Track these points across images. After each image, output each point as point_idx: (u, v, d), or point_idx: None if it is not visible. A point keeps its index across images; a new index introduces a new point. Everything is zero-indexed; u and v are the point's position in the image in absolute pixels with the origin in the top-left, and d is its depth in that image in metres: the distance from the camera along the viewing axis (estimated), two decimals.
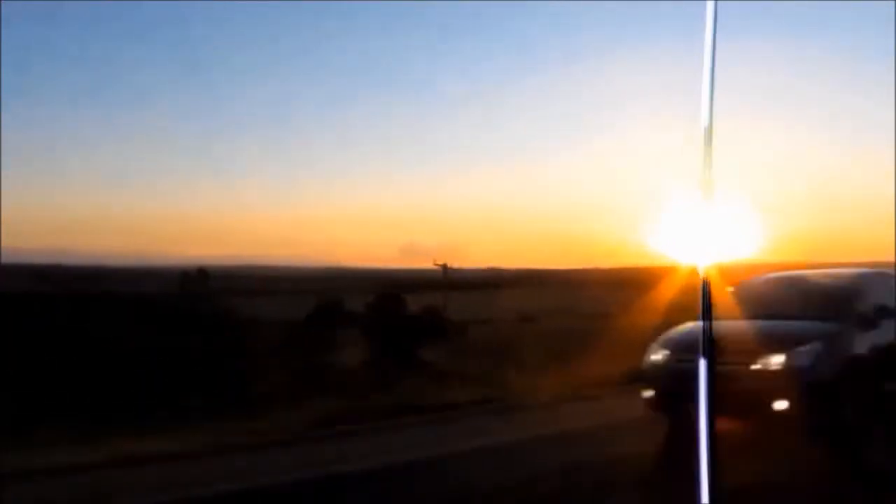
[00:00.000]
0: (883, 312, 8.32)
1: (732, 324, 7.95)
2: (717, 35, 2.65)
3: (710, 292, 2.70)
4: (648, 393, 8.18)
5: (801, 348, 7.53)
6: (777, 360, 7.48)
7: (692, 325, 7.90)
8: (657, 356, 8.22)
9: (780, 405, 7.23)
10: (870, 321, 8.16)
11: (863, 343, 8.01)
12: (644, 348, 8.48)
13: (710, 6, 2.72)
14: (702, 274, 2.76)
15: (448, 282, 26.84)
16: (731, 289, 9.11)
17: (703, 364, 2.73)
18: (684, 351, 7.50)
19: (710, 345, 2.69)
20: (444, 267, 27.26)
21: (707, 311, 2.71)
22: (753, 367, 7.43)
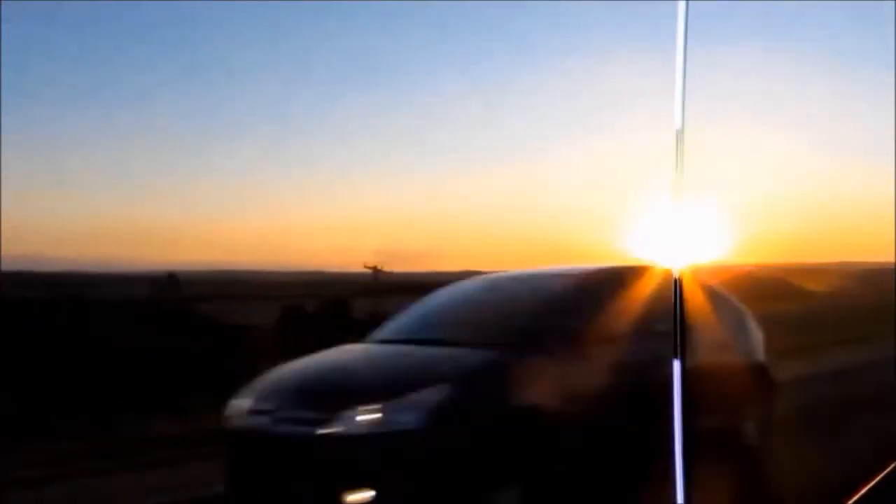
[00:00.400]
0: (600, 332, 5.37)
1: (353, 353, 5.60)
2: (692, 38, 2.72)
3: (682, 293, 2.76)
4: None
5: (408, 397, 4.48)
6: (365, 419, 4.42)
7: (294, 365, 5.45)
8: (239, 405, 5.11)
9: (358, 498, 4.33)
10: (565, 346, 5.15)
11: (548, 383, 4.90)
12: None
13: (680, 8, 2.78)
14: (676, 274, 2.82)
15: (379, 286, 26.15)
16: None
17: (676, 364, 2.79)
18: (265, 399, 4.93)
19: (684, 345, 2.75)
20: (375, 270, 26.62)
21: (680, 312, 2.77)
22: (324, 430, 4.46)
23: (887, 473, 4.13)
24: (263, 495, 4.74)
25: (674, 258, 2.86)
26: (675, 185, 2.73)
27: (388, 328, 6.14)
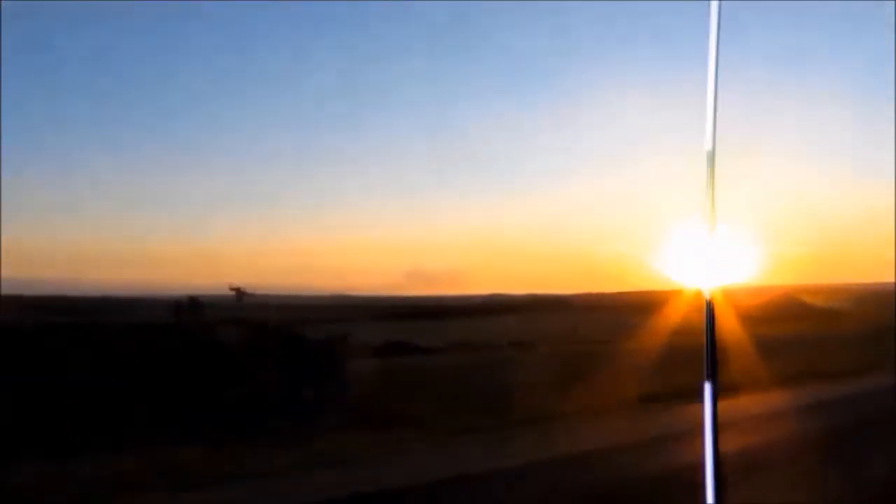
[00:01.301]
0: None
1: None
2: (721, 64, 2.77)
3: (713, 315, 2.78)
4: None
5: None
6: None
7: None
8: None
9: None
10: None
11: None
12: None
13: (712, 30, 2.82)
14: (707, 297, 2.84)
15: (241, 308, 23.45)
16: None
17: (707, 387, 2.81)
18: None
19: (714, 366, 2.77)
20: (238, 292, 23.67)
21: (711, 334, 2.79)
22: None
23: None
24: None
25: (705, 281, 2.88)
26: (705, 207, 2.77)
27: None
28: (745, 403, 11.86)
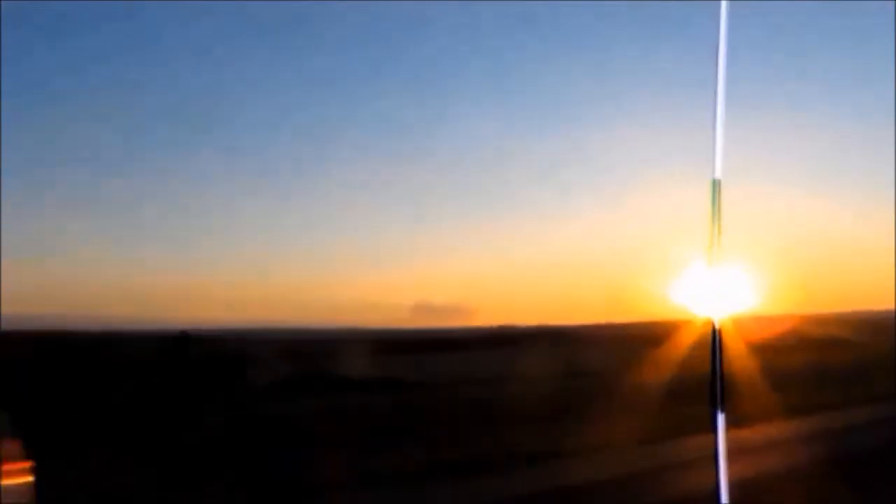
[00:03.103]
0: None
1: None
2: (728, 96, 2.86)
3: (721, 344, 2.85)
4: None
5: None
6: None
7: None
8: None
9: None
10: None
11: None
12: None
13: (721, 60, 2.92)
14: (715, 326, 2.90)
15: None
16: None
17: (720, 416, 2.88)
18: None
19: (723, 395, 2.84)
20: None
21: (718, 363, 2.85)
22: None
23: None
24: None
25: (712, 309, 2.94)
26: (712, 236, 2.85)
27: None
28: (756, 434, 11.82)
